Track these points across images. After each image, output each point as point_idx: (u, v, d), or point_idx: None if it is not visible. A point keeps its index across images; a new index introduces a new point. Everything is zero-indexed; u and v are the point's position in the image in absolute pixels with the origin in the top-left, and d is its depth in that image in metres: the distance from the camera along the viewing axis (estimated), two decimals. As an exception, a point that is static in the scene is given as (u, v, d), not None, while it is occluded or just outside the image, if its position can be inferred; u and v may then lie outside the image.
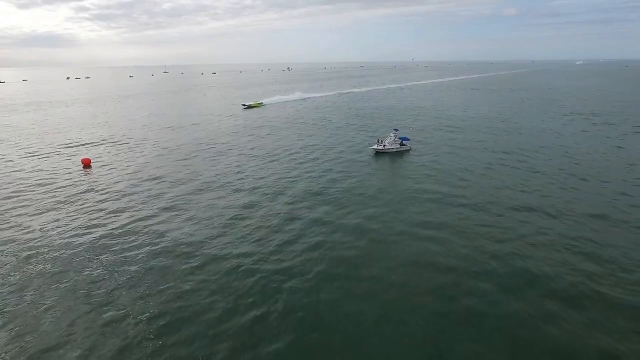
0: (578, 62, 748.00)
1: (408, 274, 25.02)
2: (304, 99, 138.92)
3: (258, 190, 41.73)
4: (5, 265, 26.90)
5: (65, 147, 63.19)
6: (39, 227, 32.69)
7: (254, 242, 29.91)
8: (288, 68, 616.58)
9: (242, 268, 26.09)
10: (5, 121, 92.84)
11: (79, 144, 66.12)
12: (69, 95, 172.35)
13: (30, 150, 61.62)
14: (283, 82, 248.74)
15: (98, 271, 26.00)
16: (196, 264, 26.69)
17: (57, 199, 39.47)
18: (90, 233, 31.54)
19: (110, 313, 21.77)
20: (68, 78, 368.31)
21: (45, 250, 28.88)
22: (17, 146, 64.68)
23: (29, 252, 28.57)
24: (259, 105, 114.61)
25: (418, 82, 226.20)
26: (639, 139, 64.52)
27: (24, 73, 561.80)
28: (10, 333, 20.22)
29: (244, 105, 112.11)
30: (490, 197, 38.63)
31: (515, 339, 19.31)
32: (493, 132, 71.71)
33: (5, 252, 28.56)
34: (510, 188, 41.25)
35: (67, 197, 39.99)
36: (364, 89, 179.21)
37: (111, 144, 65.28)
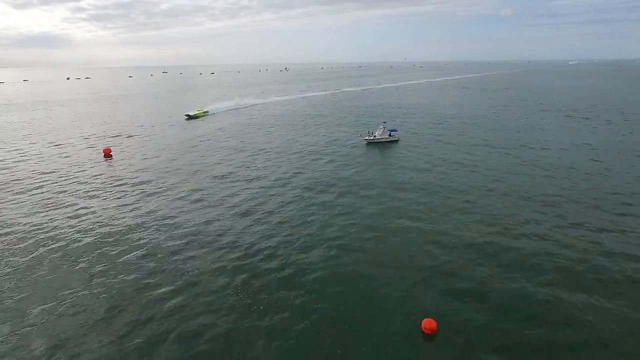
0: (571, 62, 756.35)
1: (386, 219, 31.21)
2: (282, 100, 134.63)
3: (278, 180, 47.75)
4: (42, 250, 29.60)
5: (85, 139, 69.18)
6: (73, 211, 38.65)
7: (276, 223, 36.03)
8: (285, 68, 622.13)
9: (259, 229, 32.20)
10: (21, 118, 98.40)
11: (95, 137, 71.91)
12: (74, 95, 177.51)
13: (55, 142, 67.31)
14: (280, 82, 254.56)
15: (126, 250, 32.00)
16: (221, 244, 32.55)
17: (85, 184, 45.44)
18: (124, 215, 37.56)
19: (155, 293, 23.17)
20: (68, 78, 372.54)
21: (82, 232, 34.81)
22: (43, 139, 70.52)
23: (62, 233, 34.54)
24: (204, 114, 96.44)
25: (411, 82, 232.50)
26: (606, 129, 71.12)
27: (23, 74, 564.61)
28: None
29: (187, 115, 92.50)
30: (461, 176, 44.94)
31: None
32: (474, 124, 78.10)
33: (44, 234, 32.54)
34: (482, 174, 47.53)
35: (94, 181, 46.02)
36: (343, 90, 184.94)
37: (127, 137, 71.19)
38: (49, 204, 38.33)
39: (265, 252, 27.79)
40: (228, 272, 25.31)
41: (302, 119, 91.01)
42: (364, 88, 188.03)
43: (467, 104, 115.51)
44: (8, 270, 25.93)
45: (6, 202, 38.98)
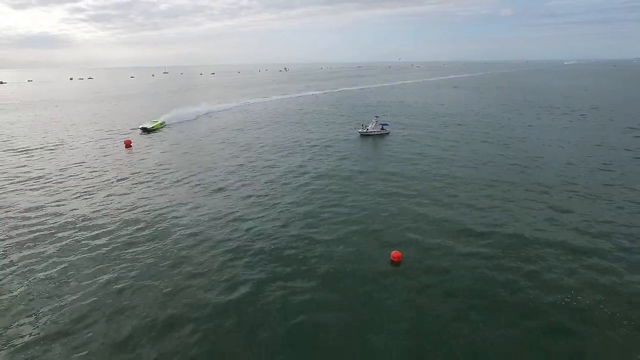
0: (567, 63, 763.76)
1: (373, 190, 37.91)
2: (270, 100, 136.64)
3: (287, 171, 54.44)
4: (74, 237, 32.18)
5: (107, 132, 76.03)
6: (102, 197, 45.29)
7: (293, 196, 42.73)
8: (285, 68, 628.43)
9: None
10: (38, 116, 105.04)
11: (114, 131, 78.54)
12: (82, 95, 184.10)
13: (79, 135, 74.03)
14: (279, 82, 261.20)
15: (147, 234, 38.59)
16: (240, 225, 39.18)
17: (110, 172, 52.14)
18: (149, 201, 44.18)
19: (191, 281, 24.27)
20: (71, 79, 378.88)
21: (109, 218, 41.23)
22: (67, 132, 77.26)
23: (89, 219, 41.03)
24: (161, 126, 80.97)
25: (406, 82, 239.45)
26: (582, 124, 78.01)
27: (23, 74, 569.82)
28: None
29: (144, 128, 76.66)
30: (440, 161, 51.74)
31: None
32: (461, 119, 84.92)
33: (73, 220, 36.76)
34: (456, 157, 54.34)
35: (121, 167, 52.73)
36: (340, 89, 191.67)
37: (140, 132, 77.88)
38: (88, 187, 44.96)
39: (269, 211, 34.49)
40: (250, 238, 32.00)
41: (300, 116, 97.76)
42: (360, 87, 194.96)
43: (456, 102, 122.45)
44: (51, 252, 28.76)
45: (46, 189, 45.58)
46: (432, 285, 23.60)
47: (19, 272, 25.83)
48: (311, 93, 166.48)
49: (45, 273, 25.57)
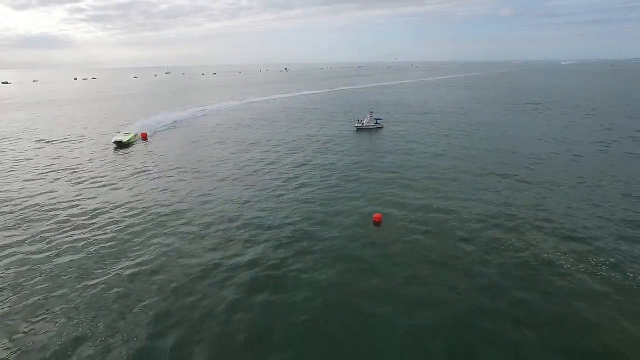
0: (564, 63, 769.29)
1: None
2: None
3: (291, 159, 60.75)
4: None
5: (123, 127, 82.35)
6: (132, 184, 51.59)
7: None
8: (285, 68, 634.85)
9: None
10: (55, 113, 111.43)
11: (131, 126, 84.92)
12: (92, 94, 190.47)
13: (102, 129, 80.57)
14: (280, 82, 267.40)
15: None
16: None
17: (132, 157, 58.50)
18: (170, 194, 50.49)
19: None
20: (75, 79, 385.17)
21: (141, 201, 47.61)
22: (90, 125, 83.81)
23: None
24: (133, 140, 67.43)
25: (403, 81, 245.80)
26: (560, 120, 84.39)
27: (26, 75, 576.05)
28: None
29: (117, 142, 64.79)
30: (426, 150, 58.05)
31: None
32: (450, 115, 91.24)
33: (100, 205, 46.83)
34: (441, 148, 60.65)
35: (140, 155, 59.15)
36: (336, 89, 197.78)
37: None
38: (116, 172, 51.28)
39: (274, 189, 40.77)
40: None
41: (300, 112, 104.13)
42: (358, 87, 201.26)
43: (447, 100, 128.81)
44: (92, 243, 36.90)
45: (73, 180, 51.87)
46: (404, 238, 29.89)
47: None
48: (311, 92, 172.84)
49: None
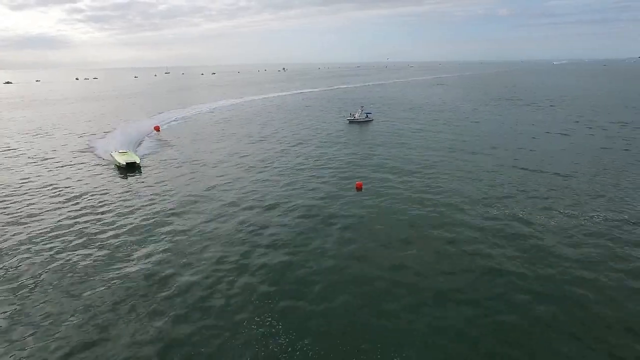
0: (556, 63, 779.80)
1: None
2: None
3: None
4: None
5: (136, 121, 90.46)
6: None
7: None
8: (283, 68, 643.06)
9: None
10: (69, 110, 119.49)
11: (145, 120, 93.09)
12: (97, 93, 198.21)
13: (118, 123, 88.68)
14: (278, 81, 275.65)
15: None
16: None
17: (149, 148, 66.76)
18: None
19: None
20: (77, 79, 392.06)
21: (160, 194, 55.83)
22: (107, 120, 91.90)
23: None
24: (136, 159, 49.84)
25: (397, 80, 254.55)
26: (532, 114, 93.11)
27: (26, 75, 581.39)
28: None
29: (120, 165, 48.44)
30: (411, 139, 66.49)
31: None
32: (436, 111, 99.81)
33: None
34: (422, 134, 69.10)
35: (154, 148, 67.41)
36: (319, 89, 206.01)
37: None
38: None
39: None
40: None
41: (297, 108, 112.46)
42: (351, 86, 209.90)
43: (434, 96, 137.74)
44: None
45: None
46: (381, 203, 38.20)
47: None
48: (308, 90, 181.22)
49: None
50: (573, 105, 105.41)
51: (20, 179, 45.50)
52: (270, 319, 20.47)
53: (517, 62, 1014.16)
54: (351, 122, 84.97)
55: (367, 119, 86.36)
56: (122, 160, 48.44)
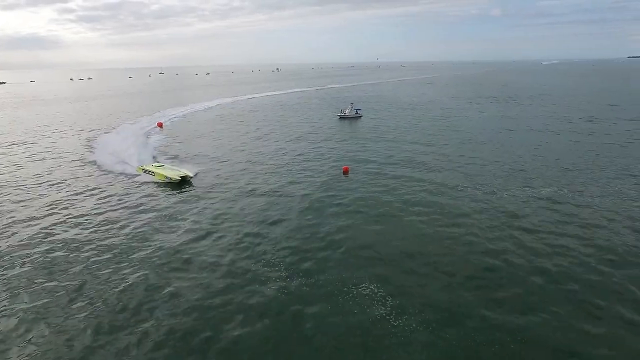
0: (545, 63, 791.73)
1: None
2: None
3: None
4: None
5: (139, 118, 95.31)
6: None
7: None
8: (277, 69, 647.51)
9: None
10: (69, 110, 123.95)
11: (146, 118, 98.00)
12: (93, 92, 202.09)
13: (114, 124, 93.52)
14: (271, 81, 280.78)
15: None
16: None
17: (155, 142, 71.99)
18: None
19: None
20: (71, 79, 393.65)
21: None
22: (112, 118, 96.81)
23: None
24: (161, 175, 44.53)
25: (389, 80, 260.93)
26: (514, 107, 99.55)
27: (19, 75, 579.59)
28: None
29: (146, 171, 45.78)
30: (399, 132, 72.34)
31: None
32: (423, 108, 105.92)
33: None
34: (404, 128, 75.05)
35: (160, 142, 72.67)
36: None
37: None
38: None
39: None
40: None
41: (289, 106, 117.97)
42: (343, 85, 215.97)
43: (420, 95, 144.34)
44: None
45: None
46: (363, 185, 43.86)
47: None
48: (300, 89, 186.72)
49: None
50: (550, 103, 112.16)
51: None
52: (284, 268, 26.22)
53: (509, 62, 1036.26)
54: (341, 118, 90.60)
55: (356, 115, 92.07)
56: (174, 175, 43.61)
